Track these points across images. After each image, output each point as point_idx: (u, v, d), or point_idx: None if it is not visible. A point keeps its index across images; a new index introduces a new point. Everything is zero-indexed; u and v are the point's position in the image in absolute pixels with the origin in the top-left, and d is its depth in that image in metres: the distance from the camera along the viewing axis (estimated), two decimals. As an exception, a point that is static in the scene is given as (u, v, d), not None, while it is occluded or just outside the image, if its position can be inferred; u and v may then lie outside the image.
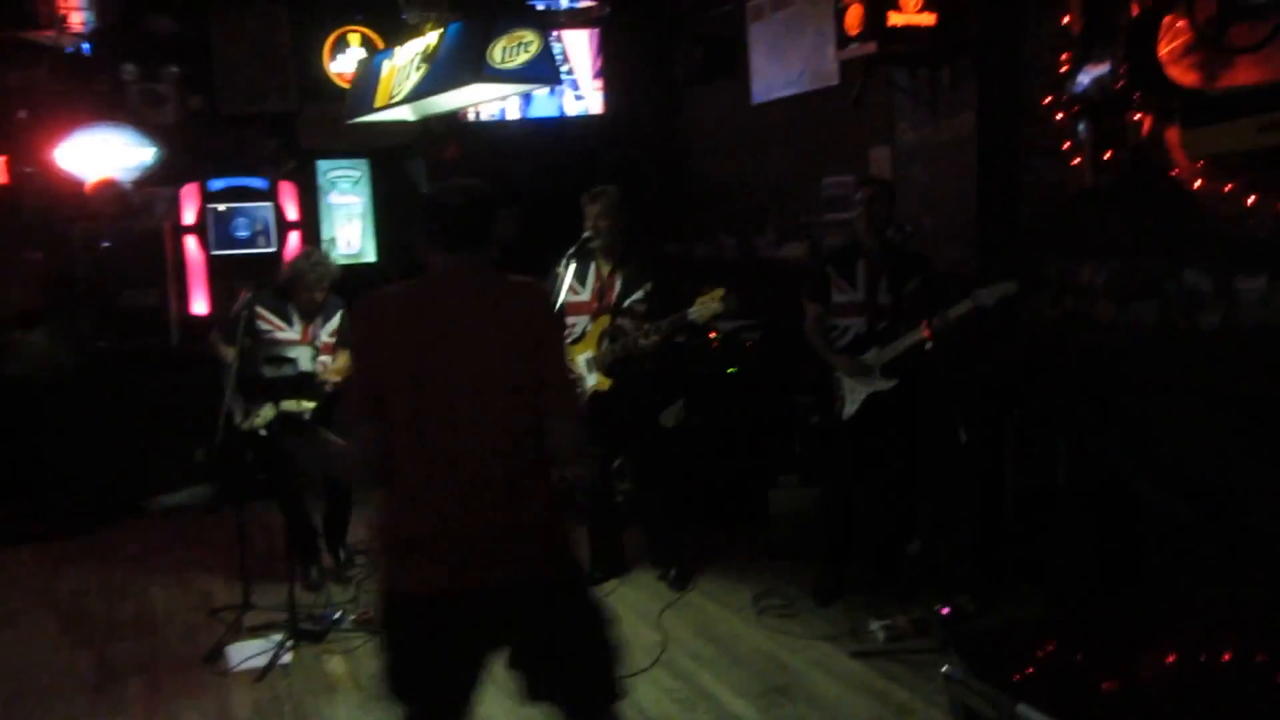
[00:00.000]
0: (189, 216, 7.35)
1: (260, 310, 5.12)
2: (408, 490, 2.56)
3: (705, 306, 4.72)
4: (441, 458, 2.52)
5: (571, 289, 5.03)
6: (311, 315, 5.25)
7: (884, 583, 4.95)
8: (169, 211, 7.36)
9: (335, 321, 5.30)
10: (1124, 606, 4.37)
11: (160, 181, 7.32)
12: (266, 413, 5.01)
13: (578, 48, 7.86)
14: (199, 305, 7.37)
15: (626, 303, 5.03)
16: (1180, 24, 4.02)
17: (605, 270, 5.09)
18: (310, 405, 5.09)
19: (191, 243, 7.36)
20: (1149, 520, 4.48)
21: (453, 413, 2.52)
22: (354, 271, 7.78)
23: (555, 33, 7.49)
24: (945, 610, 4.49)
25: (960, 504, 5.15)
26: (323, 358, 5.23)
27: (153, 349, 7.21)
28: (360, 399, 2.57)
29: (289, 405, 5.01)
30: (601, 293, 5.07)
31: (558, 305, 4.90)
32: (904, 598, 4.74)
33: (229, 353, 4.98)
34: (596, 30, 7.82)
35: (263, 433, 5.06)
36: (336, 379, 5.06)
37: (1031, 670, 2.49)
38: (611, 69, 7.98)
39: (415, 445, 2.53)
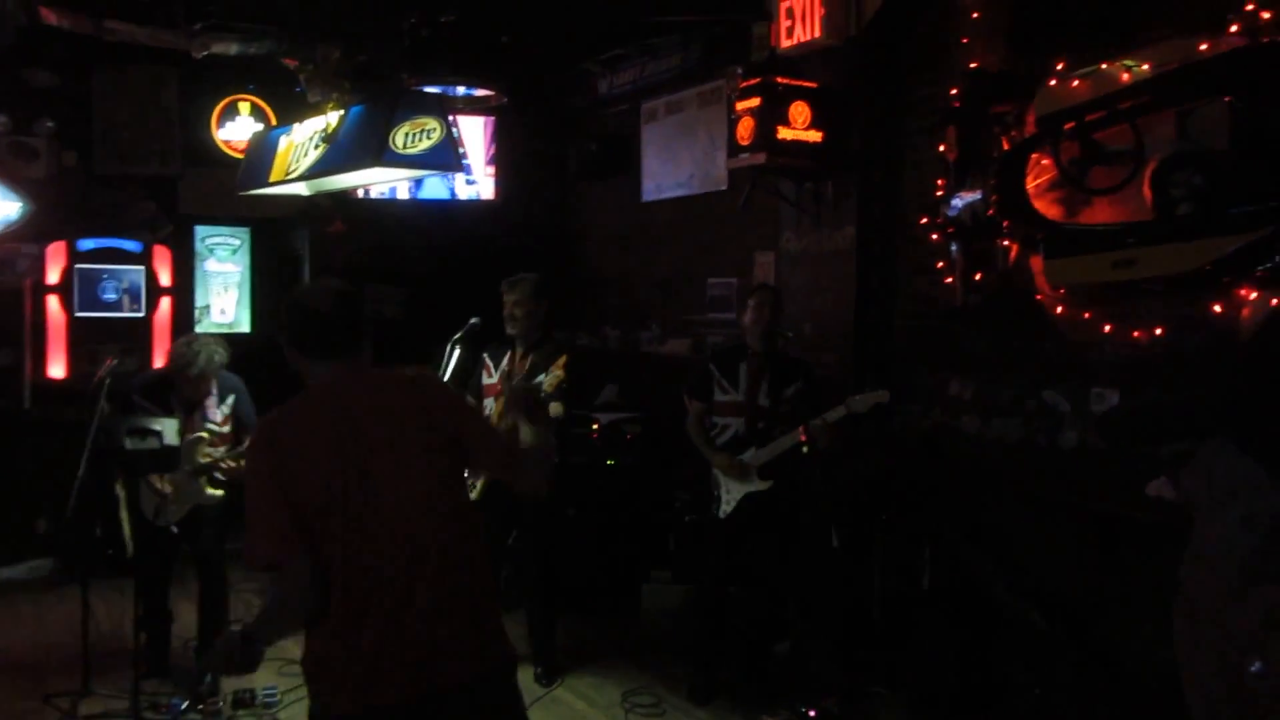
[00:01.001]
0: (53, 275, 7.06)
1: (139, 401, 4.82)
2: (341, 604, 2.39)
3: (552, 375, 4.72)
4: (375, 566, 2.39)
5: (485, 372, 5.10)
6: (194, 405, 4.86)
7: (753, 683, 4.96)
8: (32, 269, 7.04)
9: (229, 405, 4.91)
10: (982, 716, 4.50)
11: (25, 238, 7.01)
12: (178, 508, 4.78)
13: (472, 134, 7.94)
14: (56, 368, 7.03)
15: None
16: (1046, 161, 4.32)
17: (519, 354, 5.11)
18: (218, 494, 4.86)
19: (54, 303, 7.05)
20: (1008, 628, 4.64)
21: (380, 518, 2.41)
22: (228, 342, 7.58)
23: (451, 117, 7.55)
24: (812, 713, 4.53)
25: (829, 606, 5.24)
26: (209, 450, 4.83)
27: (3, 412, 6.81)
28: (283, 534, 2.37)
29: (157, 483, 4.77)
30: (510, 375, 5.07)
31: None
32: (772, 699, 4.76)
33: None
34: (492, 118, 7.92)
35: (174, 529, 4.80)
36: (232, 466, 4.76)
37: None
38: (505, 157, 8.08)
39: (343, 558, 2.38)
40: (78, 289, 7.06)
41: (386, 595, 2.39)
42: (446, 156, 4.08)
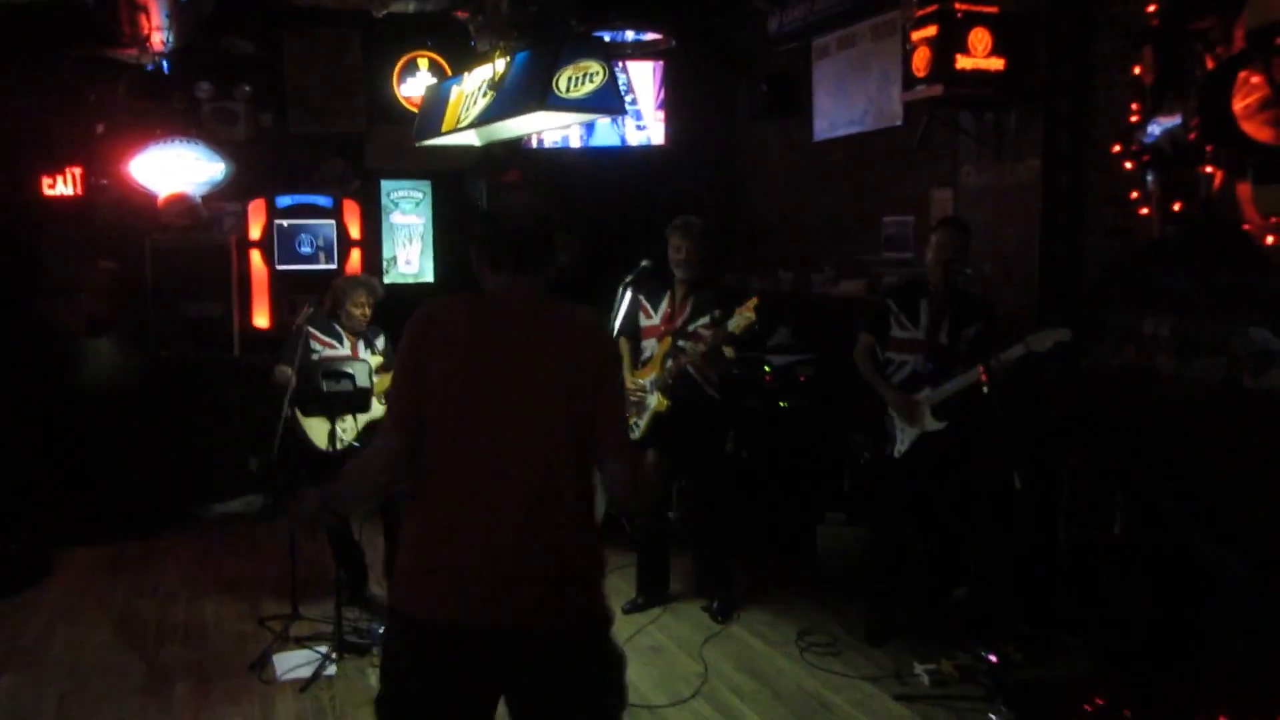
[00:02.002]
0: (255, 232, 7.53)
1: (312, 330, 5.21)
2: (433, 509, 2.44)
3: (741, 317, 4.73)
4: (476, 481, 2.40)
5: (644, 312, 5.11)
6: (358, 334, 5.35)
7: (930, 626, 4.89)
8: (236, 226, 7.55)
9: (381, 340, 5.41)
10: (1176, 669, 4.29)
11: (229, 197, 7.51)
12: (349, 430, 5.11)
13: (642, 79, 7.94)
14: (261, 318, 7.53)
15: (691, 327, 5.06)
16: (1256, 79, 3.98)
17: (679, 296, 5.14)
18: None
19: (256, 257, 7.54)
20: (1205, 579, 4.40)
21: (496, 437, 2.40)
22: (413, 290, 7.92)
23: (620, 63, 7.58)
24: (992, 658, 4.42)
25: (1012, 551, 5.08)
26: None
27: (215, 360, 7.36)
28: (400, 408, 2.47)
29: (345, 422, 5.08)
30: (670, 317, 5.12)
31: (615, 330, 4.94)
32: (950, 643, 4.67)
33: (286, 370, 5.06)
34: (661, 63, 7.89)
35: (355, 445, 5.13)
36: (380, 401, 5.14)
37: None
38: (674, 101, 8.05)
39: (450, 464, 2.41)
40: (277, 243, 7.52)
41: (477, 507, 2.39)
42: (610, 100, 4.09)
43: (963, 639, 4.69)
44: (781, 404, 6.33)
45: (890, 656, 4.70)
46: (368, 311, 5.33)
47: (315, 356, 5.14)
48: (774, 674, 4.59)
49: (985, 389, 4.51)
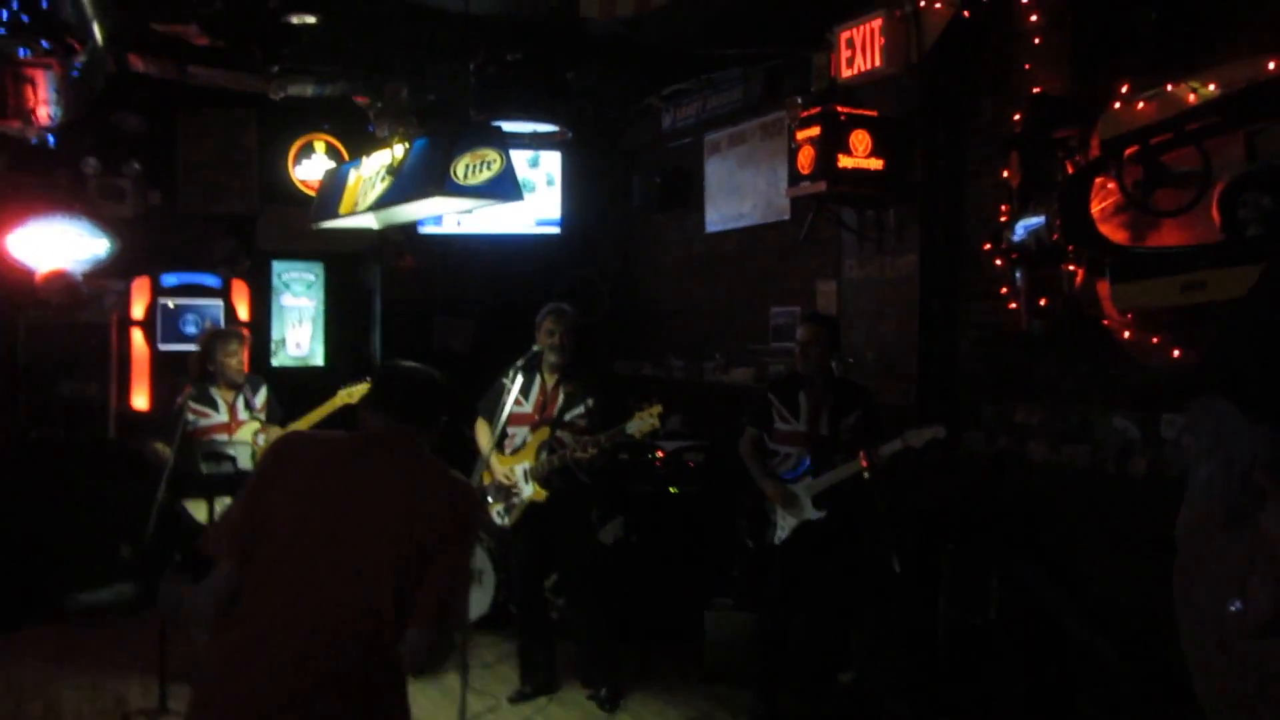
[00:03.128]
0: (138, 310, 7.34)
1: (190, 404, 5.11)
2: (234, 643, 2.32)
3: (643, 421, 4.80)
4: (279, 622, 2.31)
5: (516, 400, 5.08)
6: (235, 389, 5.31)
7: (816, 712, 4.92)
8: (118, 304, 7.34)
9: (262, 395, 5.42)
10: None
11: (113, 274, 7.31)
12: None
13: (549, 165, 8.08)
14: (140, 399, 7.29)
15: (567, 416, 5.09)
16: (1111, 185, 4.27)
17: (550, 384, 5.16)
18: None
19: (138, 336, 7.33)
20: (1077, 661, 4.54)
21: (313, 580, 2.32)
22: (302, 374, 7.79)
23: (536, 152, 7.72)
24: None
25: (894, 636, 5.17)
26: (259, 437, 5.27)
27: (88, 441, 7.08)
28: (231, 534, 2.40)
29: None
30: (544, 406, 5.13)
31: (503, 417, 4.94)
32: (836, 729, 4.71)
33: (163, 449, 4.91)
34: (558, 154, 8.06)
35: None
36: None
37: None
38: (571, 191, 8.20)
39: (260, 598, 2.33)
40: (161, 322, 7.34)
41: (280, 649, 2.29)
42: (507, 187, 4.18)
43: (848, 724, 4.73)
44: (672, 489, 6.37)
45: (777, 743, 4.70)
46: (242, 358, 5.33)
47: (190, 428, 5.03)
48: (662, 763, 4.55)
49: (866, 475, 4.65)
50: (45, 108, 5.80)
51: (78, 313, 7.23)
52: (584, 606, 5.30)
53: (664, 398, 5.60)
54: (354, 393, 5.30)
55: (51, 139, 6.72)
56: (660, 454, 6.49)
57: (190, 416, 5.08)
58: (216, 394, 5.28)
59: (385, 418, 2.54)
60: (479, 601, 6.06)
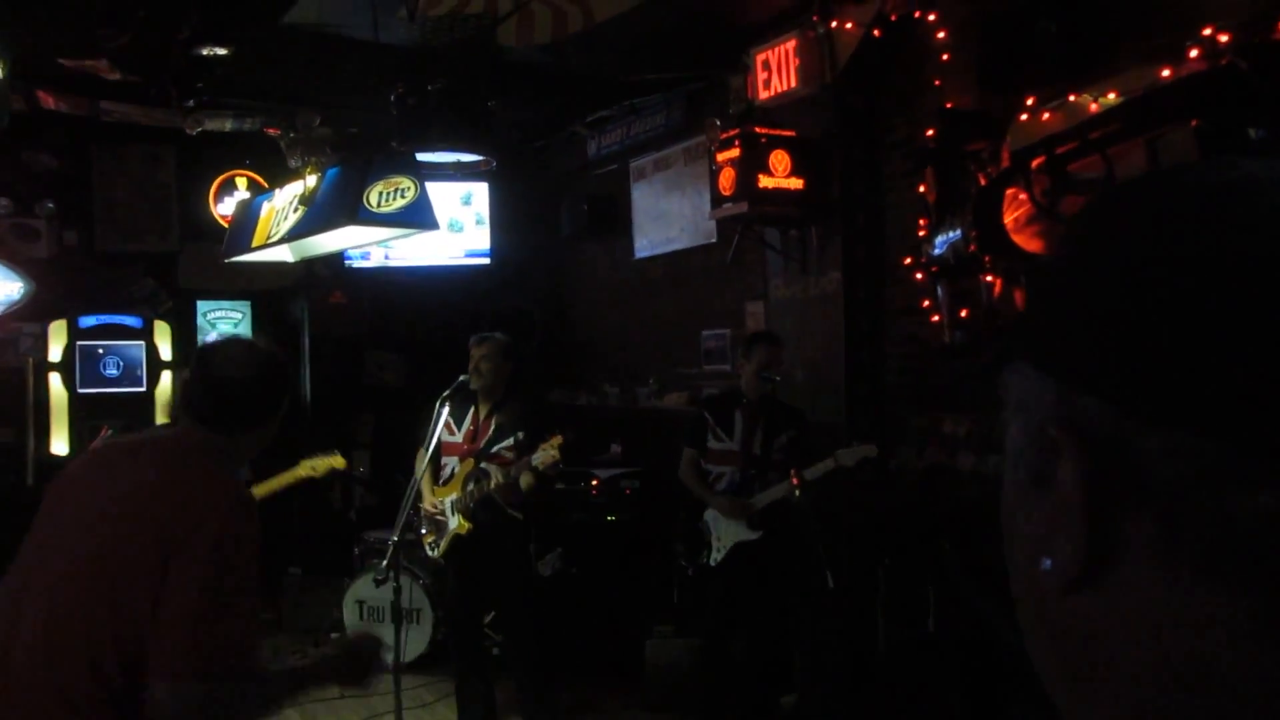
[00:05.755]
0: (55, 353, 7.14)
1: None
2: None
3: (545, 453, 4.70)
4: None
5: (447, 428, 5.00)
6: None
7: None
8: (34, 348, 7.14)
9: None
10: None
11: (27, 317, 7.11)
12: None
13: (477, 196, 8.05)
14: (59, 444, 7.08)
15: (495, 448, 5.02)
16: (1022, 196, 4.34)
17: (483, 414, 5.09)
18: None
19: (56, 380, 7.13)
20: (1016, 669, 4.55)
21: (25, 604, 1.91)
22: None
23: (461, 183, 7.68)
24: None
25: (833, 655, 5.15)
26: None
27: (6, 488, 6.84)
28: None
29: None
30: (474, 436, 5.06)
31: (430, 446, 4.86)
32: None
33: None
34: (485, 186, 8.03)
35: None
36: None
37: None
38: (500, 220, 8.17)
39: None
40: (79, 366, 7.14)
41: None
42: (422, 215, 4.12)
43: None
44: (609, 517, 6.31)
45: (719, 770, 4.64)
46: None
47: None
48: (600, 795, 4.46)
49: (797, 494, 4.64)
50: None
51: (-9, 358, 7.03)
52: (521, 641, 5.20)
53: (600, 426, 5.59)
54: (318, 466, 5.17)
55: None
56: (595, 482, 6.43)
57: None
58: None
59: (186, 418, 2.11)
60: (417, 640, 5.94)
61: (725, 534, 4.81)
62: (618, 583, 6.11)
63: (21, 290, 7.01)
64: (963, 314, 4.83)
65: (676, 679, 5.43)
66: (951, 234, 4.79)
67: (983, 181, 4.59)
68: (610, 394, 7.66)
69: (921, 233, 4.98)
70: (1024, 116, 4.32)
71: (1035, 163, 4.18)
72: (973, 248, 4.63)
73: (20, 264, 7.03)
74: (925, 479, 5.11)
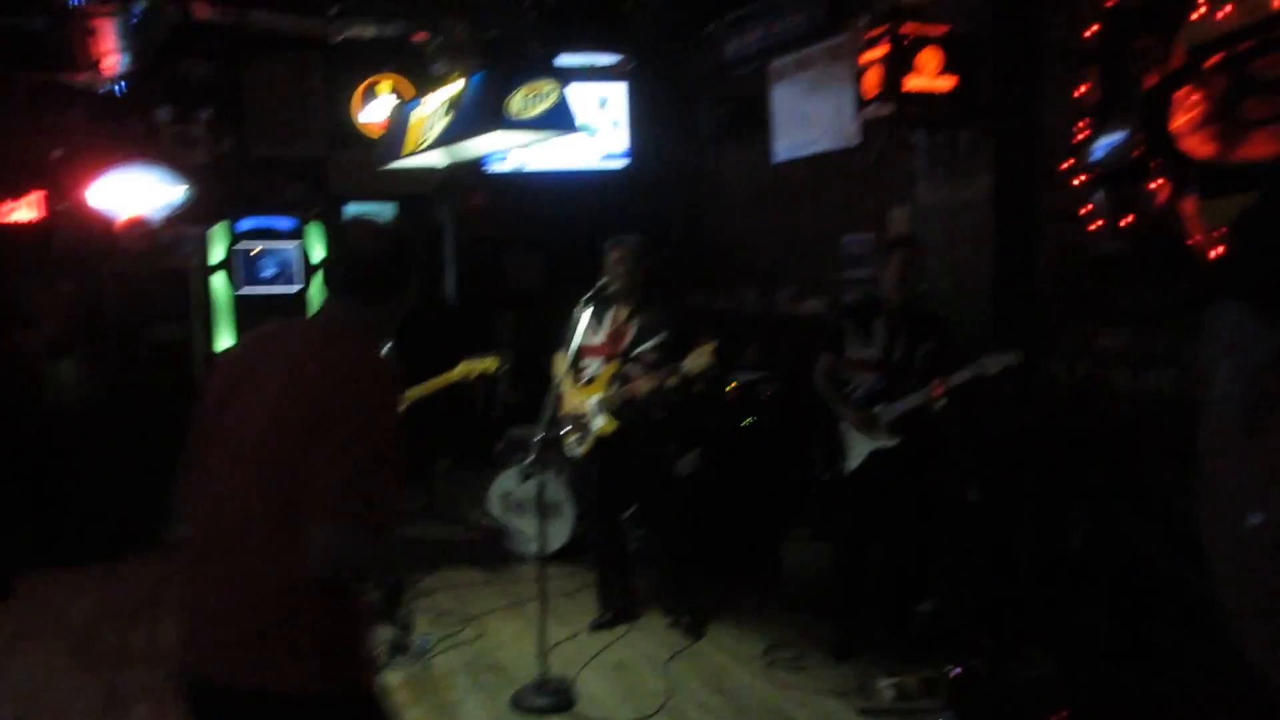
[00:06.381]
0: (216, 255, 7.50)
1: None
2: (186, 550, 2.25)
3: (696, 360, 4.76)
4: (199, 522, 2.21)
5: (589, 330, 5.10)
6: None
7: (896, 641, 4.92)
8: (197, 249, 7.51)
9: None
10: (1136, 679, 4.34)
11: (189, 220, 7.47)
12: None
13: (615, 99, 7.99)
14: (223, 342, 7.49)
15: (637, 350, 5.08)
16: (1195, 97, 4.07)
17: (622, 316, 5.16)
18: None
19: (218, 280, 7.50)
20: (1164, 589, 4.45)
21: (215, 474, 2.19)
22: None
23: (598, 85, 7.64)
24: (956, 672, 4.45)
25: (973, 565, 5.13)
26: None
27: (176, 383, 7.30)
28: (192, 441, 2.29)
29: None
30: (616, 338, 5.14)
31: (573, 348, 4.95)
32: (915, 657, 4.70)
33: None
34: (624, 91, 7.96)
35: None
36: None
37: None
38: (638, 123, 8.11)
39: (191, 501, 2.24)
40: (239, 266, 7.49)
41: (196, 550, 2.22)
42: (563, 119, 4.13)
43: (928, 653, 4.72)
44: (746, 421, 6.36)
45: (855, 671, 4.72)
46: None
47: None
48: (739, 690, 4.60)
49: (940, 404, 4.57)
50: (111, 57, 5.89)
51: (159, 260, 7.42)
52: (662, 536, 5.36)
53: (737, 330, 5.58)
54: (475, 367, 5.00)
55: (121, 88, 6.86)
56: (733, 385, 6.47)
57: None
58: None
59: (328, 293, 2.33)
60: (558, 533, 6.18)
61: (860, 441, 4.79)
62: (754, 485, 6.18)
63: (184, 194, 7.35)
64: (1124, 222, 4.60)
65: (812, 580, 5.51)
66: (1115, 137, 4.54)
67: (1151, 82, 4.32)
68: (748, 299, 7.63)
69: (1081, 135, 4.74)
70: (1199, 11, 4.02)
71: (1210, 61, 3.91)
72: (1138, 152, 4.39)
73: (181, 169, 7.36)
74: (1076, 393, 4.96)
